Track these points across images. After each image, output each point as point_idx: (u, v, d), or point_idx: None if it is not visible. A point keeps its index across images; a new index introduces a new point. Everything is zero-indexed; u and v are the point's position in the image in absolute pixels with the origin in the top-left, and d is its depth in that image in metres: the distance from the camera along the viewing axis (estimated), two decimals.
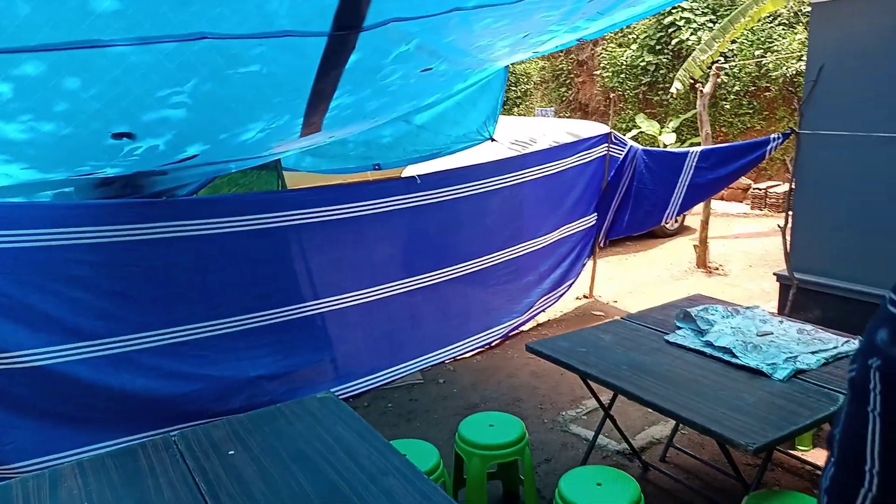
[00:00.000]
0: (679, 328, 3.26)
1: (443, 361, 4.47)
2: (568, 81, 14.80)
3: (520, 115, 14.87)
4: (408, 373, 4.25)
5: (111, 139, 2.18)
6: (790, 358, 2.84)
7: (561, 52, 14.17)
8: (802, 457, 3.48)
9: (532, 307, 5.14)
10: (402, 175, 4.76)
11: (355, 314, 3.99)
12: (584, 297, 6.18)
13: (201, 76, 2.05)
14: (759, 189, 10.45)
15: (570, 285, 5.58)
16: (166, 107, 2.11)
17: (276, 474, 1.91)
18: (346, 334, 3.95)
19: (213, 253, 3.29)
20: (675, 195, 5.32)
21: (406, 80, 3.06)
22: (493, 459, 2.83)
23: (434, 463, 2.62)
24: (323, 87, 2.57)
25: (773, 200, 10.16)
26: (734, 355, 2.88)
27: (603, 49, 13.63)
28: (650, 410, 3.98)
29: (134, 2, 1.57)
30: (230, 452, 2.02)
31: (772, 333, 3.11)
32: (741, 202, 10.83)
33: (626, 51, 13.05)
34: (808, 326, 3.21)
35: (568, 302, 5.93)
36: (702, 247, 7.13)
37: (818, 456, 3.47)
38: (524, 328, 5.26)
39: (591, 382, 3.02)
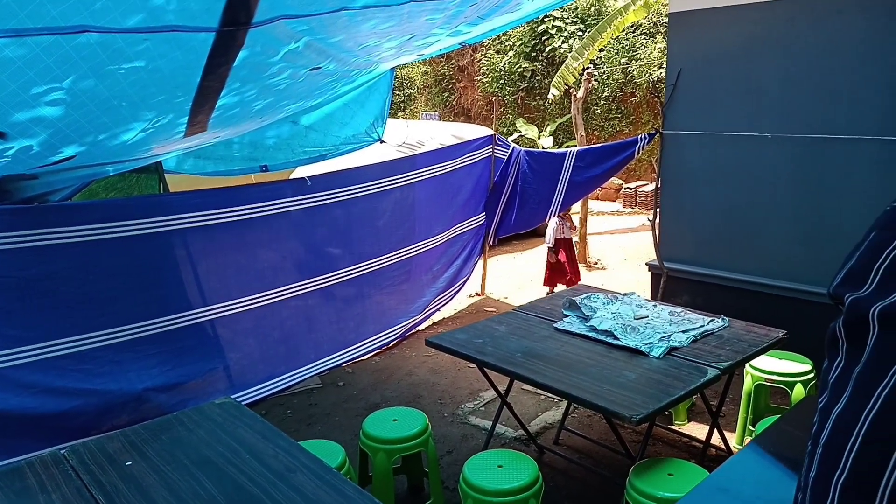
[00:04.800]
0: (566, 316, 3.46)
1: (341, 364, 4.45)
2: (450, 86, 15.12)
3: (405, 118, 15.00)
4: (305, 377, 4.19)
5: None
6: (664, 337, 3.10)
7: (442, 56, 14.46)
8: (679, 430, 3.80)
9: (427, 306, 5.22)
10: (292, 177, 4.69)
11: (247, 320, 3.89)
12: (477, 294, 6.36)
13: (81, 72, 1.95)
14: (630, 189, 11.19)
15: (464, 283, 5.73)
16: (42, 104, 1.99)
17: (178, 480, 1.85)
18: (238, 341, 3.84)
19: (93, 260, 3.10)
20: (556, 193, 5.61)
21: (294, 80, 3.05)
22: (399, 453, 2.87)
23: (340, 461, 2.63)
24: (210, 85, 2.51)
25: (642, 199, 10.92)
26: (615, 337, 3.10)
27: (482, 55, 14.05)
28: (543, 398, 4.21)
29: None
30: (128, 463, 1.93)
31: (647, 316, 3.38)
32: (614, 201, 11.55)
33: (503, 57, 13.53)
34: (679, 309, 3.51)
35: (462, 300, 6.09)
36: (581, 243, 7.54)
37: (693, 429, 3.80)
38: (421, 327, 5.34)
39: (487, 371, 3.15)
